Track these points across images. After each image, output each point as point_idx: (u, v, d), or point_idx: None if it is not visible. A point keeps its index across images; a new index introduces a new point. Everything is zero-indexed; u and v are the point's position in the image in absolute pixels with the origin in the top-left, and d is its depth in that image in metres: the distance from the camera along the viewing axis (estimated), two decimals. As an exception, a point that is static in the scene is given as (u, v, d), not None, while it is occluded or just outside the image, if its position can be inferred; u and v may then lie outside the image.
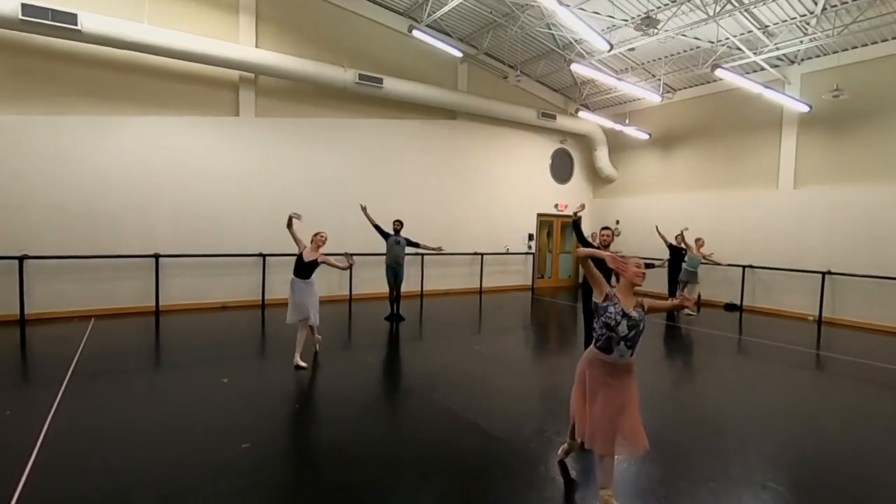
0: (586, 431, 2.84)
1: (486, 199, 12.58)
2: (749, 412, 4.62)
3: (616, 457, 2.88)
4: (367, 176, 10.61)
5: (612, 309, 2.80)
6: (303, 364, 5.51)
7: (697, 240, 10.04)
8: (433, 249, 8.59)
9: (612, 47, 8.44)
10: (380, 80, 9.88)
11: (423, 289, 11.22)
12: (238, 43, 8.88)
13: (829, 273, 9.30)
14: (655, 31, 8.87)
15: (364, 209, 8.14)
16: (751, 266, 10.56)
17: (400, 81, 10.27)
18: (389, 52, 10.70)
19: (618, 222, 13.58)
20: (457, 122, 11.92)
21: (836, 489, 3.21)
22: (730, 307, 10.78)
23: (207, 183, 8.91)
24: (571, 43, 10.51)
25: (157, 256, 8.33)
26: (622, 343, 2.77)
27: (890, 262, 8.59)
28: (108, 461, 3.27)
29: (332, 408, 4.53)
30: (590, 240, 6.54)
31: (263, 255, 9.26)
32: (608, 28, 9.53)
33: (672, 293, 10.47)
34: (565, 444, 3.41)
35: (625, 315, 2.76)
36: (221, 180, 9.05)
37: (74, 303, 7.88)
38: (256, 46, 9.09)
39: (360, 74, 9.62)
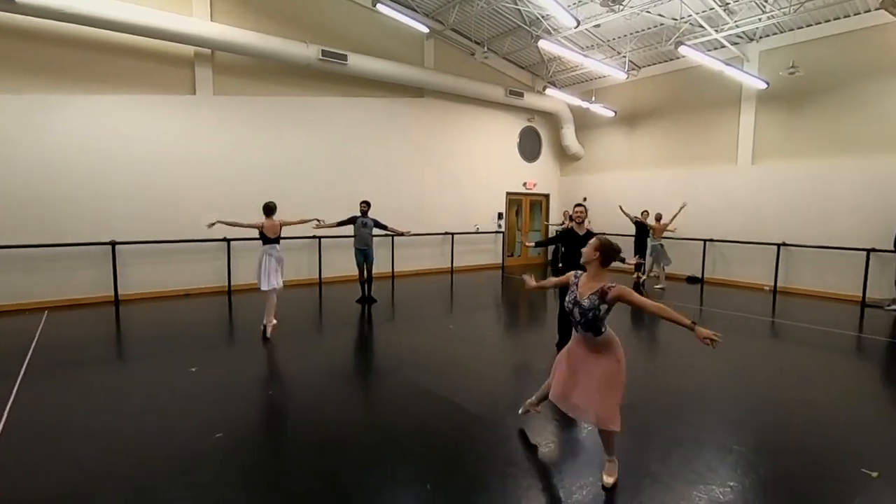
0: (571, 399, 3.01)
1: (454, 178, 12.51)
2: (713, 379, 4.83)
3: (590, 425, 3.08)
4: (333, 155, 10.35)
5: (567, 297, 2.99)
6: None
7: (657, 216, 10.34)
8: (401, 233, 8.48)
9: (578, 23, 8.41)
10: (344, 57, 9.57)
11: (395, 270, 11.15)
12: (191, 16, 8.39)
13: (784, 245, 9.75)
14: (621, 7, 8.89)
15: (318, 226, 7.38)
16: (711, 240, 10.95)
17: (365, 58, 9.98)
18: (353, 28, 10.36)
19: (585, 199, 13.77)
20: (424, 101, 11.73)
21: (796, 450, 3.39)
22: (692, 280, 11.18)
23: (165, 165, 8.51)
24: (538, 19, 10.42)
25: (113, 244, 7.94)
26: (578, 327, 2.95)
27: (839, 233, 9.05)
28: (73, 457, 3.13)
29: (306, 393, 4.48)
30: (563, 219, 6.55)
31: (228, 240, 8.96)
32: (574, 4, 9.49)
33: (638, 268, 10.77)
34: (532, 399, 3.63)
35: (576, 303, 2.89)
36: (180, 162, 8.65)
37: (26, 294, 7.46)
38: (211, 20, 8.62)
39: (323, 51, 9.29)
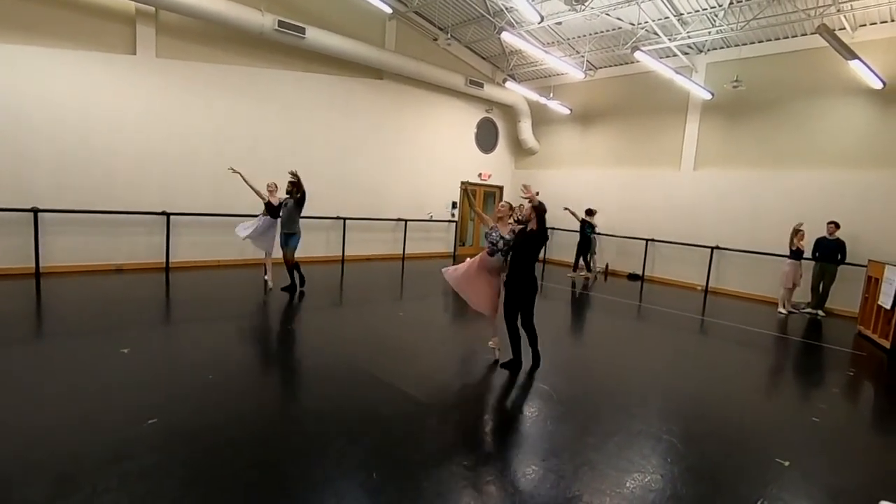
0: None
1: (410, 164, 12.38)
2: (648, 371, 5.10)
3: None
4: (284, 132, 9.96)
5: (493, 234, 4.73)
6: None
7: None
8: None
9: (542, 19, 8.48)
10: (302, 30, 9.17)
11: (345, 254, 10.95)
12: (133, -32, 7.75)
13: (717, 248, 10.40)
14: (583, 7, 9.05)
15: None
16: (652, 240, 11.50)
17: (324, 33, 9.61)
18: (313, 0, 9.94)
19: (537, 193, 14.02)
20: (383, 83, 11.48)
21: (718, 440, 3.66)
22: (633, 277, 11.72)
23: (98, 129, 7.86)
24: (502, 10, 10.41)
25: (35, 211, 7.28)
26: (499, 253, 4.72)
27: (765, 239, 9.73)
28: (-18, 444, 2.87)
29: (247, 378, 4.33)
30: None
31: (167, 214, 8.45)
32: (538, -1, 9.55)
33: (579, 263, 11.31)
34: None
35: (501, 237, 4.71)
36: (115, 126, 8.02)
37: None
38: (156, -25, 8.00)
39: (279, 21, 8.84)
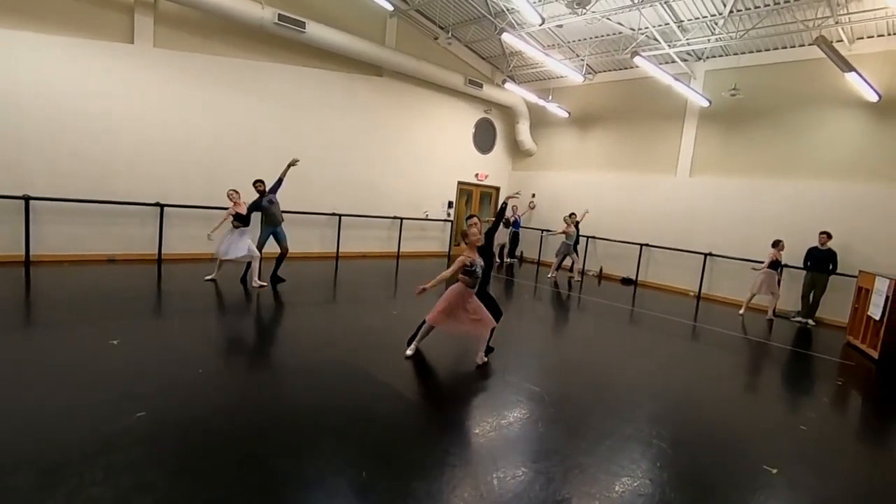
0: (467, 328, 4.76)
1: (408, 162, 12.36)
2: (639, 376, 5.11)
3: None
4: (282, 126, 9.90)
5: (476, 265, 4.68)
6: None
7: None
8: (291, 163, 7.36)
9: (543, 21, 8.49)
10: (302, 24, 9.12)
11: (339, 251, 10.91)
12: (134, -43, 7.69)
13: (710, 255, 10.46)
14: (584, 10, 9.07)
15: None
16: (647, 244, 11.55)
17: (325, 28, 9.57)
18: (314, -6, 9.91)
19: (534, 195, 14.10)
20: (382, 80, 11.45)
21: (708, 446, 3.68)
22: (626, 281, 11.76)
23: (93, 118, 7.78)
24: (504, 11, 10.42)
25: (27, 198, 7.19)
26: (479, 280, 4.75)
27: (759, 248, 9.77)
28: (-34, 434, 2.83)
29: (238, 373, 4.30)
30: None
31: (161, 205, 8.38)
32: (539, 1, 9.55)
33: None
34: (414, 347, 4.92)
35: (479, 266, 4.72)
36: (110, 116, 7.94)
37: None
38: (157, -36, 7.94)
39: (279, 14, 8.79)
